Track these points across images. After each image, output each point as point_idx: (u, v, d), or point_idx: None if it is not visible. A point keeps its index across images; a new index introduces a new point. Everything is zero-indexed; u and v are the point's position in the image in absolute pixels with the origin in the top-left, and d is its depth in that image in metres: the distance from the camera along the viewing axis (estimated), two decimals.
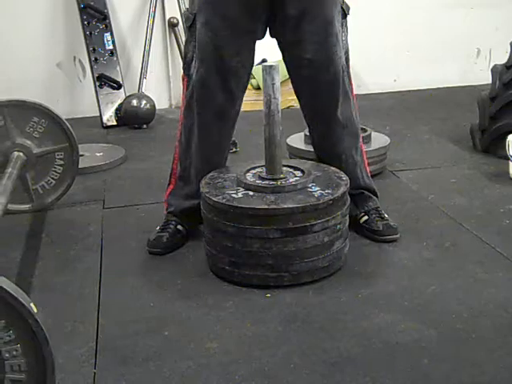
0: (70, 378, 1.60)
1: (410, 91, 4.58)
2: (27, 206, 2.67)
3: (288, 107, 4.18)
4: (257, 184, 2.04)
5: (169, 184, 2.37)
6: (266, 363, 1.62)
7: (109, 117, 4.02)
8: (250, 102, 4.22)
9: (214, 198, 1.99)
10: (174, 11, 4.16)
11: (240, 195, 2.00)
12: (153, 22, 4.09)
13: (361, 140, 2.35)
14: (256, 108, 3.95)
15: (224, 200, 1.97)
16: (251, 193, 2.01)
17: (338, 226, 2.01)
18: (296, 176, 2.10)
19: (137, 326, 1.82)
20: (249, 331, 1.77)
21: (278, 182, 2.04)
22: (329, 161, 2.24)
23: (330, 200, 1.96)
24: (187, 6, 2.30)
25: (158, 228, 2.27)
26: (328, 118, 2.23)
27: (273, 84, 1.98)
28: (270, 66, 1.97)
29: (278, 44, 2.17)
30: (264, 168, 2.11)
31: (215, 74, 2.11)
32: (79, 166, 2.79)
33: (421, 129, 3.66)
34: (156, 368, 1.63)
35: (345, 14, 2.18)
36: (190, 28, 2.15)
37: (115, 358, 1.68)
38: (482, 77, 4.16)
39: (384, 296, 1.92)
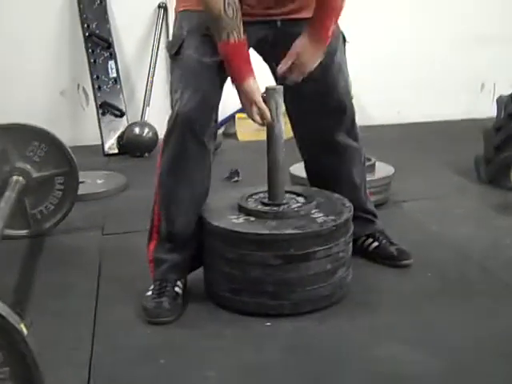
0: None
1: (413, 123, 4.56)
2: (24, 231, 2.63)
3: (292, 138, 4.15)
4: (258, 209, 2.00)
5: (150, 239, 2.09)
6: None
7: (111, 145, 4.01)
8: (254, 131, 4.21)
9: (214, 223, 1.94)
10: None
11: (241, 220, 1.96)
12: (157, 51, 4.09)
13: (362, 163, 2.30)
14: (259, 138, 3.92)
15: (224, 225, 1.93)
16: (252, 218, 1.97)
17: (341, 254, 1.96)
18: (298, 202, 2.06)
19: (132, 354, 1.76)
20: (248, 360, 1.71)
21: (280, 208, 2.00)
22: (327, 185, 2.20)
23: (334, 226, 1.92)
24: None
25: (151, 293, 1.99)
26: (329, 143, 2.20)
27: (276, 108, 1.96)
28: (274, 89, 1.94)
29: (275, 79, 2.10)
30: (266, 194, 2.07)
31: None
32: (79, 193, 2.76)
33: (425, 160, 3.63)
34: None
35: (344, 40, 2.15)
36: (175, 58, 1.99)
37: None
38: (486, 111, 4.14)
39: (387, 327, 1.86)
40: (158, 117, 4.03)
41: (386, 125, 4.55)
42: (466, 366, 1.66)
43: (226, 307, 1.96)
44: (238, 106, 4.42)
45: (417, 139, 4.19)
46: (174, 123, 1.94)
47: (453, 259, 2.31)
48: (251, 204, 2.04)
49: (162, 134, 4.02)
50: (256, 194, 2.12)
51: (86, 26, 4.03)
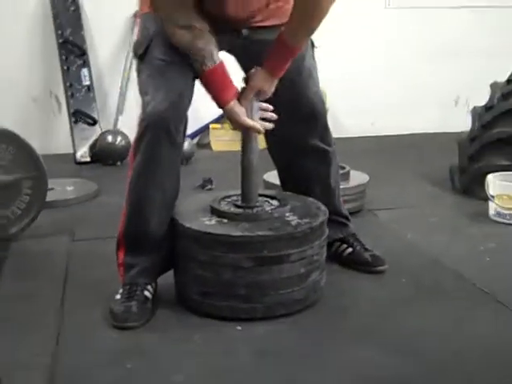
0: None
1: (387, 136, 4.56)
2: None
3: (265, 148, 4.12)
4: (231, 211, 1.95)
5: (119, 245, 2.02)
6: None
7: (83, 153, 3.94)
8: (228, 141, 4.18)
9: (186, 225, 1.89)
10: None
11: (213, 222, 1.91)
12: (131, 59, 4.04)
13: (336, 167, 2.27)
14: (233, 148, 3.89)
15: (197, 226, 1.88)
16: (225, 220, 1.92)
17: (315, 257, 1.92)
18: (272, 205, 2.02)
19: (97, 358, 1.70)
20: (217, 364, 1.66)
21: (254, 210, 1.96)
22: (301, 190, 2.16)
23: (308, 229, 1.88)
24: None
25: (120, 296, 1.92)
26: (302, 148, 2.16)
27: (252, 108, 1.93)
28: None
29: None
30: (239, 197, 2.03)
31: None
32: (48, 200, 2.69)
33: (399, 170, 3.63)
34: None
35: (313, 46, 2.12)
36: (143, 58, 1.93)
37: None
38: (460, 124, 4.14)
39: (361, 331, 1.83)
40: (130, 125, 3.98)
41: (360, 136, 4.55)
42: (441, 370, 1.62)
43: (197, 311, 1.91)
44: (212, 116, 4.40)
45: (391, 151, 4.19)
46: (147, 126, 1.87)
47: (427, 266, 2.28)
48: (224, 206, 2.00)
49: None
50: (229, 196, 2.08)
51: (59, 32, 3.96)
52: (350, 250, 2.25)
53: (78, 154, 3.93)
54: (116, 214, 2.86)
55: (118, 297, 1.93)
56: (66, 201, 3.07)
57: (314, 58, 2.13)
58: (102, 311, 1.94)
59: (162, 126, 1.86)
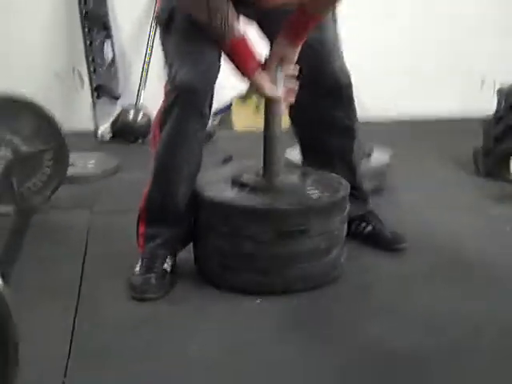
0: (39, 378, 1.47)
1: (410, 120, 4.50)
2: (11, 208, 2.55)
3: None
4: (253, 183, 1.93)
5: (140, 219, 2.02)
6: (251, 370, 1.51)
7: (104, 129, 3.93)
8: (250, 118, 4.15)
9: (206, 194, 1.88)
10: None
11: (235, 193, 1.89)
12: (154, 33, 4.01)
13: (359, 143, 2.23)
14: (255, 125, 3.85)
15: (217, 197, 1.86)
16: (246, 192, 1.90)
17: (336, 232, 1.90)
18: (294, 178, 1.99)
19: (116, 328, 1.70)
20: (236, 336, 1.65)
21: (276, 183, 1.94)
22: (323, 166, 2.14)
23: (329, 203, 1.86)
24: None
25: (138, 269, 1.92)
26: (325, 122, 2.13)
27: (279, 78, 1.89)
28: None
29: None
30: (261, 169, 2.01)
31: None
32: (69, 175, 2.68)
33: (422, 152, 3.56)
34: (133, 371, 1.51)
35: (335, 20, 2.08)
36: (168, 26, 1.89)
37: (89, 360, 1.56)
38: (486, 107, 4.08)
39: (382, 306, 1.81)
40: (153, 100, 3.96)
41: (383, 120, 4.49)
42: (464, 344, 1.61)
43: (216, 284, 1.90)
44: (235, 94, 4.29)
45: (414, 133, 4.12)
46: (176, 97, 1.85)
47: (449, 245, 2.24)
48: (246, 178, 1.97)
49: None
50: (251, 168, 2.06)
51: (82, 4, 3.93)
52: (370, 228, 2.23)
53: (100, 131, 3.93)
54: (136, 189, 2.85)
55: (137, 269, 1.93)
56: (86, 176, 3.07)
57: (337, 32, 2.09)
58: (121, 282, 1.93)
59: (191, 98, 1.84)
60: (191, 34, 1.85)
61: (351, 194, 2.06)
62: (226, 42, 1.83)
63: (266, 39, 2.04)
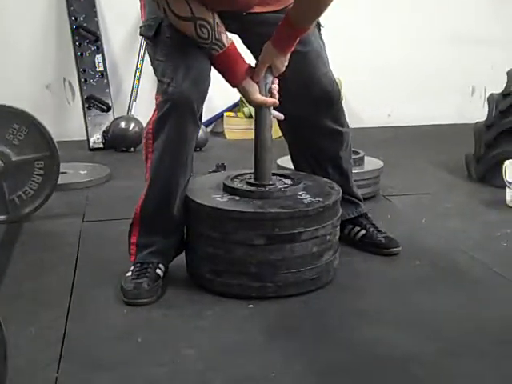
0: (30, 381, 1.46)
1: (403, 126, 4.52)
2: (2, 216, 2.54)
3: (280, 137, 4.09)
4: (244, 189, 1.93)
5: (133, 228, 1.99)
6: (247, 371, 1.49)
7: (96, 139, 3.93)
8: (242, 130, 4.16)
9: (198, 201, 1.87)
10: None
11: (225, 199, 1.89)
12: (145, 46, 4.03)
13: (349, 147, 2.23)
14: (248, 137, 3.86)
15: (209, 203, 1.86)
16: (237, 197, 1.90)
17: (328, 237, 1.90)
18: (285, 183, 1.99)
19: (107, 332, 1.68)
20: (228, 340, 1.64)
21: (266, 188, 1.94)
22: (314, 170, 2.15)
23: (321, 207, 1.85)
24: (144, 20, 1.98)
25: (130, 274, 1.91)
26: (315, 127, 2.13)
27: (265, 84, 1.91)
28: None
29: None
30: (252, 175, 2.01)
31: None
32: (61, 183, 2.68)
33: (415, 159, 3.59)
34: (125, 373, 1.49)
35: (319, 27, 2.08)
36: (156, 37, 1.89)
37: (81, 363, 1.54)
38: (477, 114, 4.10)
39: (376, 310, 1.80)
40: (144, 112, 3.96)
41: (375, 127, 4.51)
42: (459, 349, 1.60)
43: (208, 289, 1.89)
44: (226, 104, 4.38)
45: (407, 141, 4.15)
46: (171, 106, 1.83)
47: (442, 249, 2.25)
48: (237, 184, 1.97)
49: None
50: (242, 175, 2.06)
51: (73, 18, 3.96)
52: (363, 232, 2.23)
53: (92, 140, 3.93)
54: (127, 197, 2.87)
55: (129, 274, 1.92)
56: (78, 184, 3.07)
57: (321, 39, 2.09)
58: (113, 288, 1.92)
59: (187, 105, 1.83)
60: (180, 43, 1.85)
61: (343, 199, 2.06)
62: (213, 54, 1.84)
63: (250, 51, 2.04)
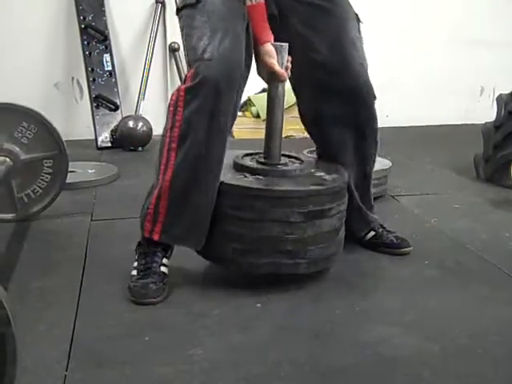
0: (38, 379, 1.46)
1: (411, 127, 4.51)
2: (11, 215, 2.55)
3: (287, 137, 4.09)
4: (263, 168, 1.92)
5: (160, 201, 1.88)
6: (253, 371, 1.49)
7: (104, 138, 3.94)
8: (250, 129, 4.16)
9: (229, 182, 1.85)
10: (175, 36, 4.13)
11: (251, 179, 1.87)
12: (153, 45, 4.04)
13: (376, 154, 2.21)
14: (255, 136, 3.86)
15: (236, 182, 1.84)
16: (261, 177, 1.89)
17: (344, 213, 1.96)
18: (296, 164, 2.00)
19: (115, 331, 1.68)
20: (236, 339, 1.64)
21: (281, 168, 1.94)
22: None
23: (343, 183, 1.91)
24: None
25: (136, 273, 1.89)
26: (348, 127, 2.09)
27: (282, 63, 1.89)
28: (281, 46, 1.88)
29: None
30: (259, 155, 2.01)
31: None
32: (69, 181, 2.69)
33: (422, 159, 3.58)
34: (132, 372, 1.49)
35: (358, 20, 2.06)
36: (197, 3, 1.85)
37: (89, 361, 1.54)
38: (486, 115, 4.09)
39: (382, 309, 1.80)
40: (152, 111, 3.98)
41: (382, 127, 4.48)
42: (466, 349, 1.59)
43: (234, 270, 1.92)
44: None
45: (415, 142, 4.14)
46: (206, 73, 1.73)
47: (451, 249, 2.24)
48: (253, 163, 1.97)
49: (157, 128, 3.96)
50: (248, 155, 2.06)
51: (81, 17, 3.97)
52: (373, 233, 2.22)
53: (100, 139, 3.94)
54: (135, 196, 2.86)
55: (135, 272, 1.91)
56: (86, 183, 3.07)
57: (359, 32, 2.05)
58: (121, 287, 1.92)
59: (224, 71, 1.74)
60: (219, 9, 1.85)
61: (359, 208, 2.14)
62: (246, 3, 1.85)
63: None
